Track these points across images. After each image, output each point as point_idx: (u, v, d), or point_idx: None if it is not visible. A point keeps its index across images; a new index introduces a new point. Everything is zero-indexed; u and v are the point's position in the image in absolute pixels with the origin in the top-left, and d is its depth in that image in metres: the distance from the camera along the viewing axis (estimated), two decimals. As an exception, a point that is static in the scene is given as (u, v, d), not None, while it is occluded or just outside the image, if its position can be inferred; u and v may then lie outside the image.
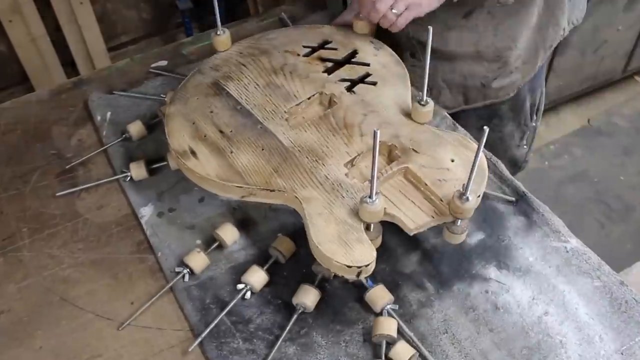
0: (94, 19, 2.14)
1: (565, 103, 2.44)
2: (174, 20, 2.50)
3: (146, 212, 0.94)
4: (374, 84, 0.97)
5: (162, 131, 0.93)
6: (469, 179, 0.74)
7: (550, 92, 2.14)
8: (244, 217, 0.93)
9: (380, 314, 0.81)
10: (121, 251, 0.90)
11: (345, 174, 0.85)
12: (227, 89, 0.98)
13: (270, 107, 0.94)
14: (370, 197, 0.76)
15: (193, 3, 2.32)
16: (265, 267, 0.85)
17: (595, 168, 2.26)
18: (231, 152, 0.88)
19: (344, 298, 0.84)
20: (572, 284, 0.84)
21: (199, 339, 0.79)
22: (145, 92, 1.12)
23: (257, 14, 1.76)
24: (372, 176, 0.73)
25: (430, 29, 0.80)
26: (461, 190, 0.77)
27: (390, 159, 0.87)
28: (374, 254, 0.76)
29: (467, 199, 0.76)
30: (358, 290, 0.84)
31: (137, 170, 0.97)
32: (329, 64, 1.01)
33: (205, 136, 0.90)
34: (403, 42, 1.14)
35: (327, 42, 1.06)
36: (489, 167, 0.86)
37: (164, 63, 1.18)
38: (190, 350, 0.79)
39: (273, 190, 0.83)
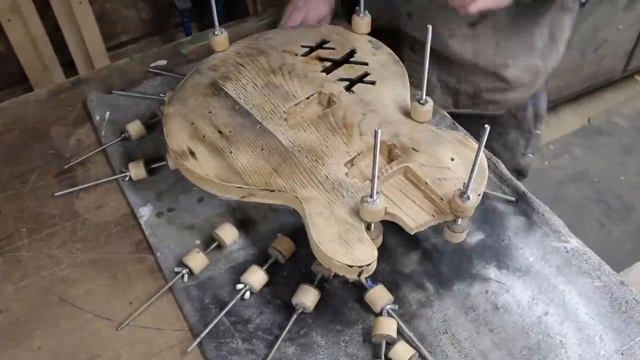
0: (93, 18, 2.14)
1: (565, 103, 2.44)
2: (173, 19, 2.49)
3: (145, 212, 0.94)
4: (373, 83, 0.97)
5: (161, 131, 0.93)
6: (470, 177, 0.74)
7: (550, 92, 2.14)
8: (244, 217, 0.93)
9: (380, 314, 0.80)
10: (120, 251, 0.90)
11: (345, 174, 0.85)
12: (226, 89, 0.97)
13: (269, 107, 0.94)
14: (370, 196, 0.75)
15: (192, 3, 2.32)
16: (264, 267, 0.84)
17: (596, 168, 2.26)
18: (230, 153, 0.87)
19: (343, 298, 0.84)
20: (572, 284, 0.84)
21: (198, 339, 0.79)
22: (145, 92, 1.11)
23: (255, 13, 1.75)
24: (373, 175, 0.72)
25: (430, 27, 0.80)
26: (462, 188, 0.77)
27: (390, 158, 0.86)
28: (375, 253, 0.76)
29: (468, 197, 0.76)
30: (358, 290, 0.83)
31: (136, 170, 0.97)
32: (328, 64, 1.01)
33: (204, 136, 0.90)
34: (403, 36, 1.14)
35: (325, 42, 1.05)
36: (489, 166, 0.86)
37: (163, 62, 1.18)
38: (189, 350, 0.79)
39: (273, 191, 0.83)
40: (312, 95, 0.95)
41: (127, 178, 0.97)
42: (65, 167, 1.01)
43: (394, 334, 0.77)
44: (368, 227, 0.80)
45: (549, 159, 2.30)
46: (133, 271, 0.88)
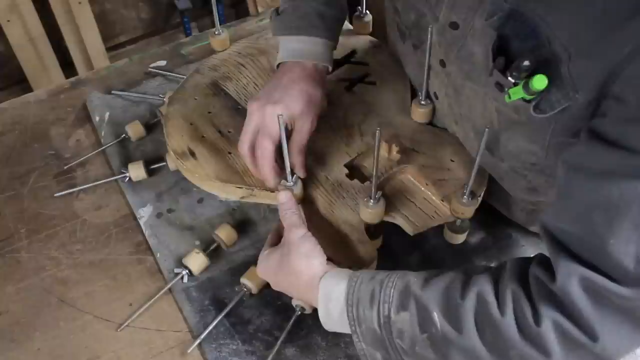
0: (93, 18, 2.14)
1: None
2: (173, 20, 2.49)
3: (145, 213, 0.93)
4: (374, 83, 0.97)
5: (161, 131, 0.93)
6: (470, 178, 0.74)
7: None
8: (243, 218, 0.93)
9: None
10: (120, 252, 0.90)
11: (346, 175, 0.84)
12: (226, 89, 0.97)
13: (270, 107, 0.94)
14: (371, 197, 0.75)
15: (192, 3, 2.31)
16: (264, 268, 0.84)
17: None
18: (230, 153, 0.87)
19: (344, 299, 0.83)
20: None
21: (198, 340, 0.79)
22: (144, 92, 1.11)
23: (256, 13, 1.75)
24: (373, 176, 0.72)
25: (431, 28, 0.79)
26: (462, 190, 0.76)
27: (391, 158, 0.86)
28: (375, 254, 0.76)
29: (468, 199, 0.76)
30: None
31: (136, 171, 0.96)
32: (329, 64, 1.01)
33: (204, 137, 0.90)
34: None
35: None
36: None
37: (162, 63, 1.18)
38: (189, 351, 0.78)
39: (272, 191, 0.83)
40: (312, 95, 0.95)
41: (127, 179, 0.97)
42: (65, 167, 1.00)
43: None
44: (368, 228, 0.79)
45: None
46: (133, 272, 0.87)
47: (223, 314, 0.81)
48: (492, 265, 0.86)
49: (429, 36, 0.79)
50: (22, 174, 1.00)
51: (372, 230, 0.80)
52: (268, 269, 0.76)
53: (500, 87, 0.64)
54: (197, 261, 0.85)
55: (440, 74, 0.78)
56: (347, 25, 1.08)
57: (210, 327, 0.80)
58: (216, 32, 1.04)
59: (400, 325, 0.63)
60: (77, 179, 0.99)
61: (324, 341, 0.79)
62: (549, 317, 0.57)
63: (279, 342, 0.78)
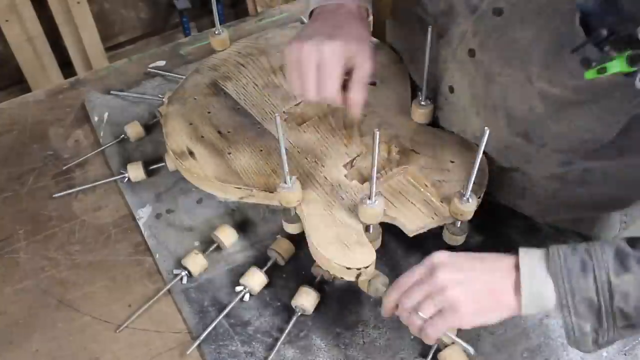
0: (91, 18, 2.14)
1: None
2: (172, 20, 2.49)
3: (144, 214, 0.93)
4: (374, 84, 0.97)
5: (160, 132, 0.93)
6: (469, 180, 0.74)
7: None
8: (243, 219, 0.92)
9: None
10: (119, 253, 0.90)
11: (345, 175, 0.84)
12: (226, 89, 0.97)
13: (269, 108, 0.94)
14: (369, 198, 0.75)
15: (191, 3, 2.31)
16: (264, 269, 0.84)
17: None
18: (229, 153, 0.87)
19: (343, 300, 0.83)
20: (573, 286, 0.84)
21: (197, 342, 0.79)
22: (143, 93, 1.11)
23: (256, 13, 1.75)
24: (372, 177, 0.72)
25: (430, 28, 0.79)
26: (461, 191, 0.76)
27: (390, 159, 0.86)
28: (374, 255, 0.76)
29: (467, 200, 0.76)
30: (358, 292, 0.83)
31: (135, 172, 0.96)
32: (328, 64, 1.01)
33: (203, 136, 0.89)
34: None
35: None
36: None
37: (162, 63, 1.17)
38: (188, 353, 0.78)
39: (272, 192, 0.82)
40: (311, 96, 0.95)
41: (126, 179, 0.97)
42: (64, 168, 1.00)
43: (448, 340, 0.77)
44: (367, 229, 0.79)
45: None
46: (132, 273, 0.87)
47: (222, 315, 0.81)
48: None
49: (428, 36, 0.79)
50: (20, 174, 1.00)
51: (371, 231, 0.80)
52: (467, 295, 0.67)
53: (588, 62, 0.61)
54: (196, 262, 0.85)
55: (467, 64, 0.77)
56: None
57: (210, 328, 0.80)
58: (216, 32, 1.03)
59: (625, 288, 0.62)
60: (76, 179, 0.99)
61: (324, 342, 0.79)
62: None
63: (278, 344, 0.78)
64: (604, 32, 0.58)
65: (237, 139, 0.89)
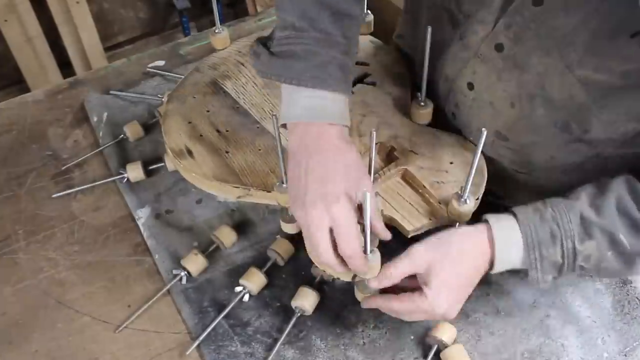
0: (91, 18, 2.14)
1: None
2: (172, 19, 2.49)
3: (143, 214, 0.93)
4: (373, 84, 0.96)
5: (159, 132, 0.92)
6: (467, 181, 0.73)
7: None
8: (242, 219, 0.92)
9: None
10: (118, 253, 0.89)
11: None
12: (225, 88, 0.97)
13: (268, 107, 0.93)
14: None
15: (190, 2, 2.31)
16: (263, 270, 0.84)
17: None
18: (227, 152, 0.87)
19: (343, 301, 0.83)
20: (573, 286, 0.84)
21: (197, 342, 0.78)
22: (142, 93, 1.11)
23: (255, 13, 1.75)
24: (370, 177, 0.72)
25: (430, 28, 0.79)
26: (459, 192, 0.76)
27: (389, 160, 0.86)
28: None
29: (465, 201, 0.75)
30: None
31: (134, 172, 0.96)
32: (328, 64, 1.00)
33: (201, 135, 0.89)
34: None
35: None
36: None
37: (161, 63, 1.17)
38: (187, 353, 0.78)
39: (270, 191, 0.82)
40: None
41: (125, 179, 0.97)
42: (63, 168, 1.00)
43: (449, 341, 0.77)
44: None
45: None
46: (131, 274, 0.87)
47: (222, 315, 0.81)
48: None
49: (427, 36, 0.79)
50: (19, 174, 1.00)
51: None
52: (450, 289, 0.71)
53: None
54: (196, 262, 0.85)
55: (493, 59, 0.75)
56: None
57: (209, 329, 0.79)
58: (216, 31, 1.03)
59: (588, 252, 0.69)
60: (75, 179, 0.99)
61: (324, 343, 0.79)
62: None
63: (278, 344, 0.78)
64: None
65: (236, 138, 0.89)
